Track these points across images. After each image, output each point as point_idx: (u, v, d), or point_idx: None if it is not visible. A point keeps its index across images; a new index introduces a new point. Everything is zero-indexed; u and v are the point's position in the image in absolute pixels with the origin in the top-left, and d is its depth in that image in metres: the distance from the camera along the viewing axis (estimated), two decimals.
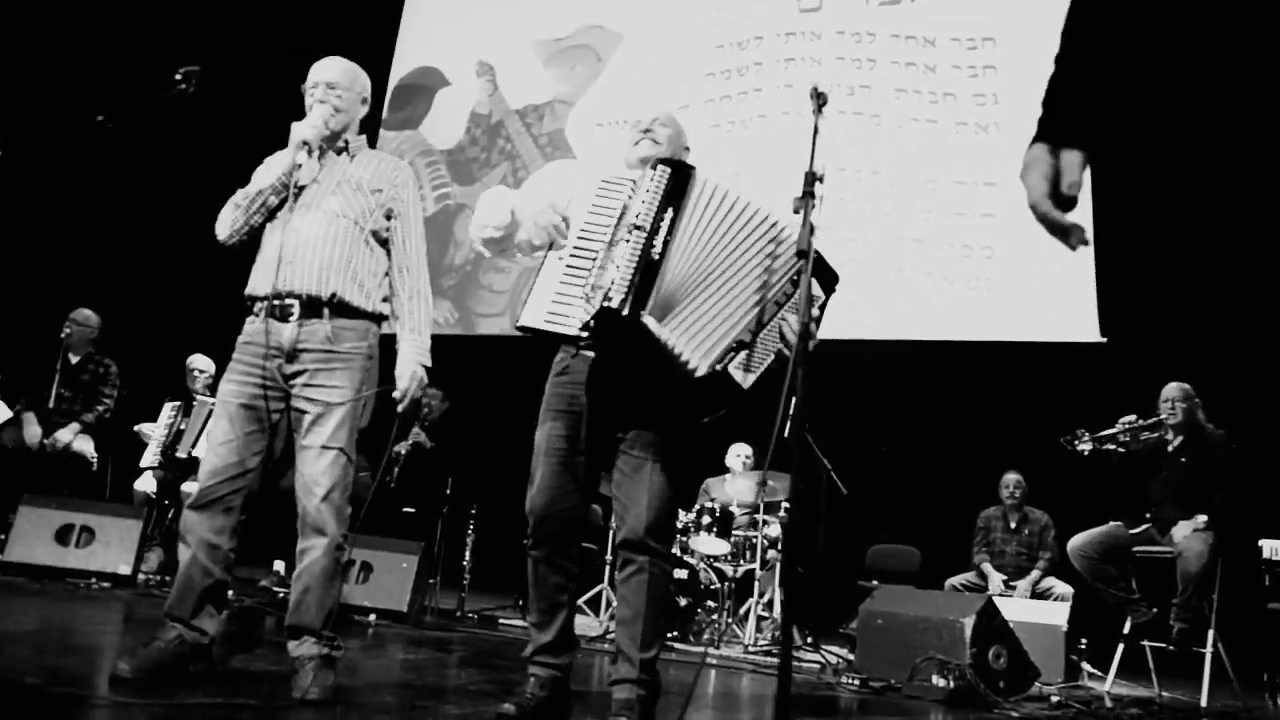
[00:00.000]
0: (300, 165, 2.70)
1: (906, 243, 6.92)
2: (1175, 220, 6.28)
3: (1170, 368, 5.12)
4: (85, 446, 5.82)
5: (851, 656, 4.64)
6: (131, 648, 2.56)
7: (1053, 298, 6.46)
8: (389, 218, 2.79)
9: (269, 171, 2.76)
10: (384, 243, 2.79)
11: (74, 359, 5.93)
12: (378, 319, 2.77)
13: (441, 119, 9.01)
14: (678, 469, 2.55)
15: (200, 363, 6.26)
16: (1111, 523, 4.86)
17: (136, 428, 6.27)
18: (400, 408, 2.72)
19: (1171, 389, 4.88)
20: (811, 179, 2.31)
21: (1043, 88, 1.28)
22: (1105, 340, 6.23)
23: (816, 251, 2.35)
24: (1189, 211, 6.25)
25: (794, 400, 2.12)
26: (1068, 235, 1.23)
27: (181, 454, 5.74)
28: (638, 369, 2.47)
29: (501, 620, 5.44)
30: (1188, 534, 4.56)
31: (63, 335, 5.90)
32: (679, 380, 2.35)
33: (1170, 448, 4.87)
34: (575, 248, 2.39)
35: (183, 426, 5.83)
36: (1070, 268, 6.41)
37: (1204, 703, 4.29)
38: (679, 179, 2.41)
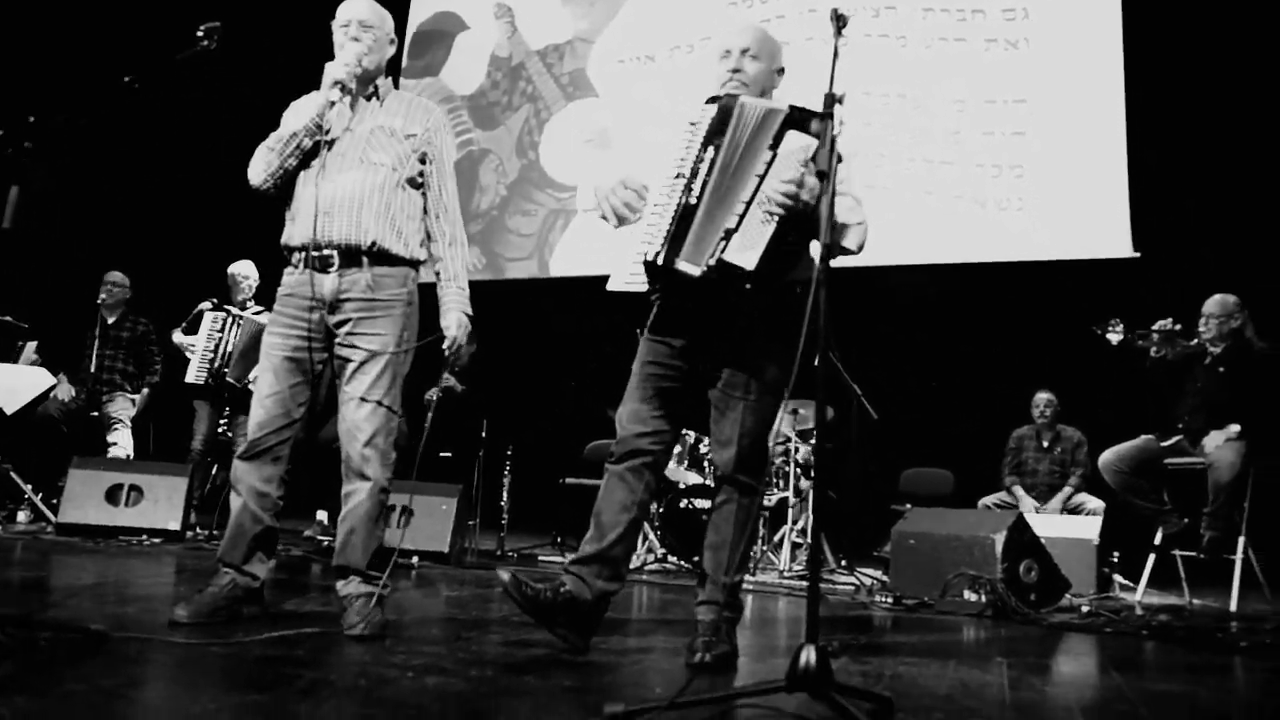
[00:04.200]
0: (333, 104, 2.66)
1: (935, 165, 6.84)
2: (1209, 129, 6.14)
3: (1206, 280, 5.02)
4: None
5: (885, 578, 4.72)
6: (187, 595, 2.66)
7: (1084, 214, 6.38)
8: (424, 162, 2.79)
9: (298, 115, 2.72)
10: (418, 187, 2.80)
11: (110, 320, 6.05)
12: (416, 265, 2.79)
13: (461, 64, 8.90)
14: (768, 403, 2.56)
15: (244, 269, 5.86)
16: (1143, 436, 4.83)
17: (175, 339, 5.85)
18: (450, 356, 2.81)
19: (1211, 304, 4.79)
20: (831, 100, 2.29)
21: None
22: (1139, 255, 6.15)
23: (791, 106, 2.43)
24: (1222, 119, 6.10)
25: (818, 326, 2.12)
26: None
27: (232, 378, 5.52)
28: (705, 310, 2.52)
29: (541, 557, 5.58)
30: (1220, 444, 4.54)
31: (100, 299, 6.02)
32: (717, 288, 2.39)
33: (1208, 359, 4.80)
34: (652, 205, 2.47)
35: (229, 346, 5.61)
36: (1101, 183, 6.33)
37: (1234, 608, 4.31)
38: (722, 115, 2.46)
